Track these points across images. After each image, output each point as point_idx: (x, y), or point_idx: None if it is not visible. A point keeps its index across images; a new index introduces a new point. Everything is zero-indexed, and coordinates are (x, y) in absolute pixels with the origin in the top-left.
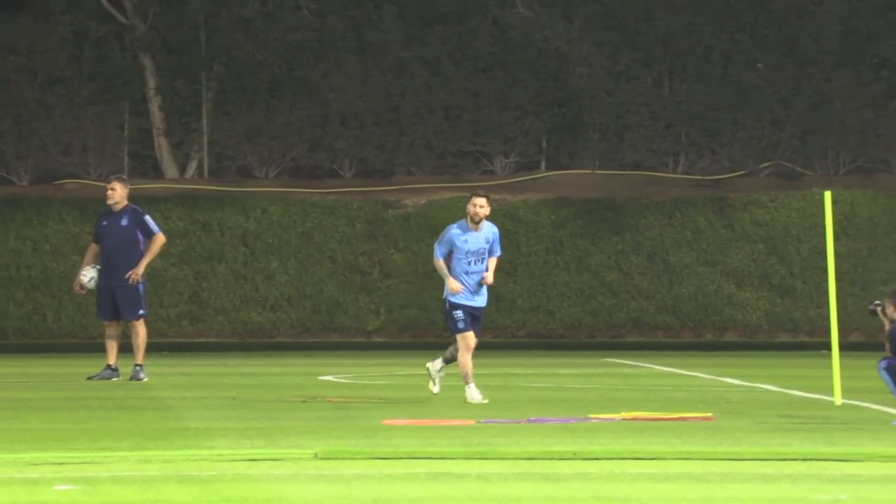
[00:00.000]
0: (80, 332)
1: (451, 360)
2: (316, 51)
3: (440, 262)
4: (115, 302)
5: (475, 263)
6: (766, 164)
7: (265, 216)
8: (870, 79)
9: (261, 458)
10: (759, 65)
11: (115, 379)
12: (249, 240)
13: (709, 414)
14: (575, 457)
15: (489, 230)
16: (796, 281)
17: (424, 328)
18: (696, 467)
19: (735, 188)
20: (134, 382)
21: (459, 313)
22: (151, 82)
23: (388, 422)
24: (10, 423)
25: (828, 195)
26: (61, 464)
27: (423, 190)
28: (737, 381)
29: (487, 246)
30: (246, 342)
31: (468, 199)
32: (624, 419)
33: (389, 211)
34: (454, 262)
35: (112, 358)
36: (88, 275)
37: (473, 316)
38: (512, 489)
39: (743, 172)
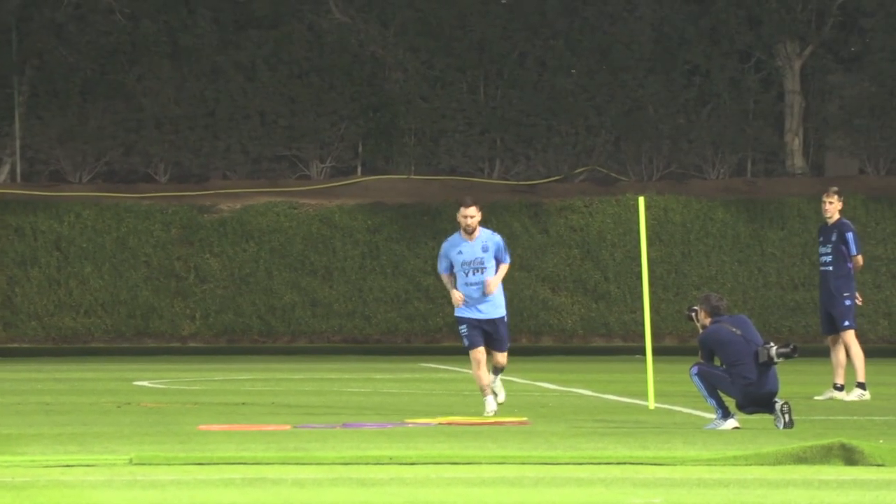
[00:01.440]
0: None
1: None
2: (130, 55)
3: (443, 277)
4: None
5: (473, 274)
6: (581, 169)
7: (79, 221)
8: (682, 85)
9: (75, 464)
10: (572, 71)
11: None
12: (63, 244)
13: (524, 418)
14: (391, 461)
15: (487, 238)
16: (611, 286)
17: (240, 333)
18: (512, 471)
19: (550, 193)
20: None
21: (464, 328)
22: None
23: (203, 427)
24: None
25: (641, 200)
26: None
27: (239, 195)
28: (552, 386)
29: (485, 255)
30: (60, 347)
31: (287, 205)
32: (440, 424)
33: (205, 216)
34: (456, 276)
35: None
36: None
37: (485, 330)
38: (328, 494)
39: (558, 178)
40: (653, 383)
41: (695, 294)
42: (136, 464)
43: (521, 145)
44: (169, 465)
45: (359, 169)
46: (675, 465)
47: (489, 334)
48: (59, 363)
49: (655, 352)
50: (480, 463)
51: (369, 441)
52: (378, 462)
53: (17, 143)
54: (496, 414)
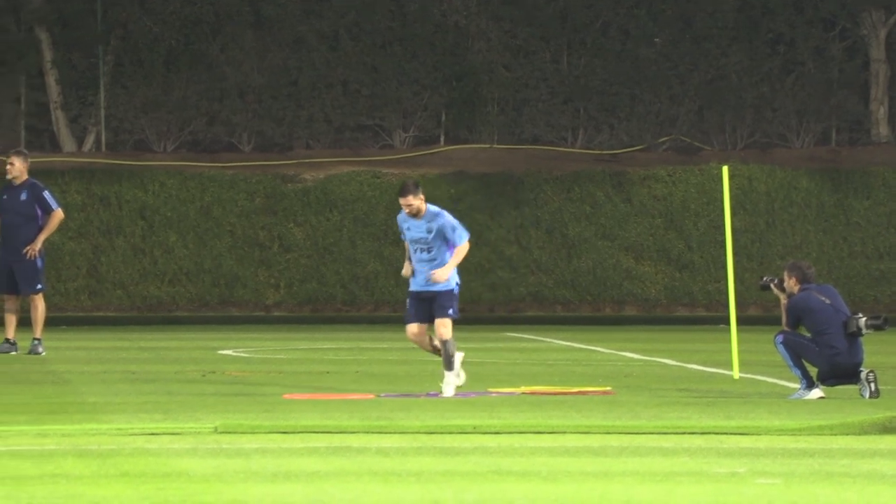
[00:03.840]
0: None
1: (436, 351)
2: (213, 24)
3: (405, 244)
4: (13, 276)
5: (420, 252)
6: (664, 138)
7: (163, 190)
8: (766, 54)
9: (160, 433)
10: (656, 40)
11: (13, 353)
12: (148, 214)
13: (608, 388)
14: (474, 431)
15: (432, 219)
16: (694, 255)
17: (324, 302)
18: (595, 441)
19: (633, 163)
20: (32, 356)
21: (407, 301)
22: (48, 55)
23: (287, 396)
24: None
25: (725, 170)
26: None
27: (322, 164)
28: (636, 356)
29: (429, 235)
30: (144, 316)
31: (370, 174)
32: (523, 393)
33: (288, 185)
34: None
35: (10, 332)
36: None
37: (428, 300)
38: (411, 463)
39: (641, 147)
40: (737, 353)
41: (779, 264)
42: (220, 432)
43: (604, 114)
44: (253, 433)
45: (441, 138)
46: (759, 434)
47: (432, 304)
48: (144, 332)
49: (739, 321)
50: (564, 432)
51: (453, 410)
52: (461, 431)
53: (102, 112)
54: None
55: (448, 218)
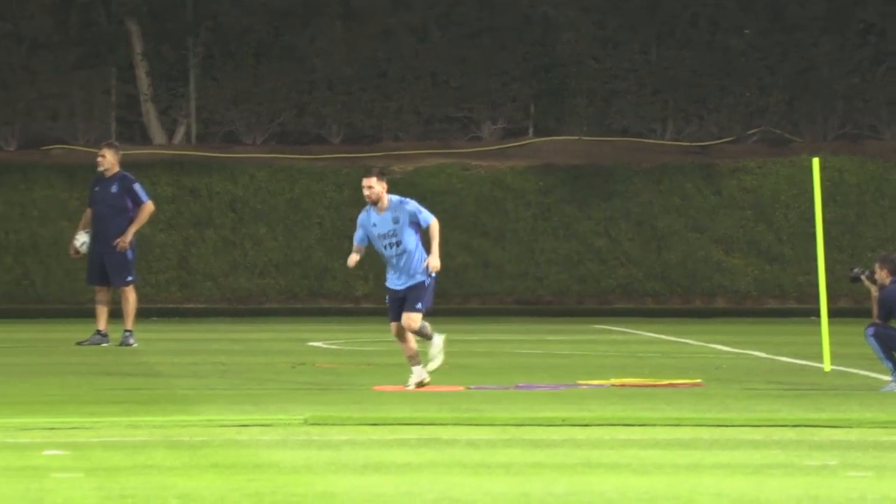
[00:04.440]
0: (69, 298)
1: (426, 337)
2: (302, 16)
3: (354, 245)
4: (104, 268)
5: (390, 248)
6: (754, 130)
7: (253, 182)
8: (856, 44)
9: (250, 424)
10: (745, 30)
11: (104, 344)
12: (238, 206)
13: (698, 380)
14: (564, 423)
15: (397, 208)
16: (784, 247)
17: None
18: (686, 434)
19: (723, 154)
20: (123, 348)
21: (387, 299)
22: (138, 47)
23: (377, 388)
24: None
25: (816, 161)
26: (51, 429)
27: (411, 156)
28: (726, 348)
29: (397, 226)
30: (234, 308)
31: (459, 166)
32: (613, 385)
33: None
34: (377, 249)
35: (102, 323)
36: (81, 239)
37: (402, 299)
38: (501, 455)
39: (730, 139)
40: (828, 345)
41: (870, 256)
42: (310, 424)
43: (693, 106)
44: (343, 425)
45: (530, 130)
46: (850, 427)
47: (403, 299)
48: (234, 324)
49: (830, 313)
50: (654, 425)
51: (542, 402)
52: (551, 423)
53: (193, 104)
54: (419, 387)
55: (413, 205)
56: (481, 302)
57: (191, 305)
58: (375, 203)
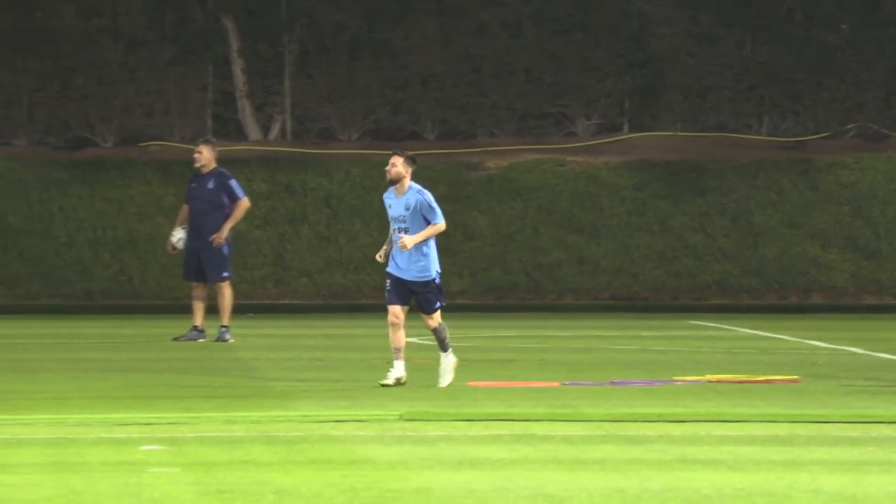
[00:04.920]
0: (166, 294)
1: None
2: (395, 13)
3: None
4: (200, 264)
5: (399, 232)
6: (850, 125)
7: (348, 178)
8: None
9: (345, 420)
10: (842, 26)
11: (200, 340)
12: (333, 202)
13: (794, 377)
14: (659, 419)
15: (413, 196)
16: (882, 243)
17: (507, 290)
18: (782, 430)
19: (819, 150)
20: (219, 343)
21: (387, 283)
22: (234, 44)
23: (472, 383)
24: (97, 385)
25: None
26: (148, 424)
27: (505, 152)
28: (822, 344)
29: (407, 213)
30: (329, 304)
31: (554, 162)
32: (709, 381)
33: (471, 173)
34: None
35: (198, 319)
36: (177, 235)
37: (410, 290)
38: (596, 451)
39: (827, 134)
40: None
41: None
42: (405, 419)
43: (789, 101)
44: (438, 420)
45: (625, 126)
46: None
47: (416, 294)
48: (329, 319)
49: None
50: (750, 421)
51: (637, 398)
52: (646, 420)
53: (287, 101)
54: (396, 385)
55: (428, 197)
56: (576, 298)
57: (286, 301)
58: (394, 183)
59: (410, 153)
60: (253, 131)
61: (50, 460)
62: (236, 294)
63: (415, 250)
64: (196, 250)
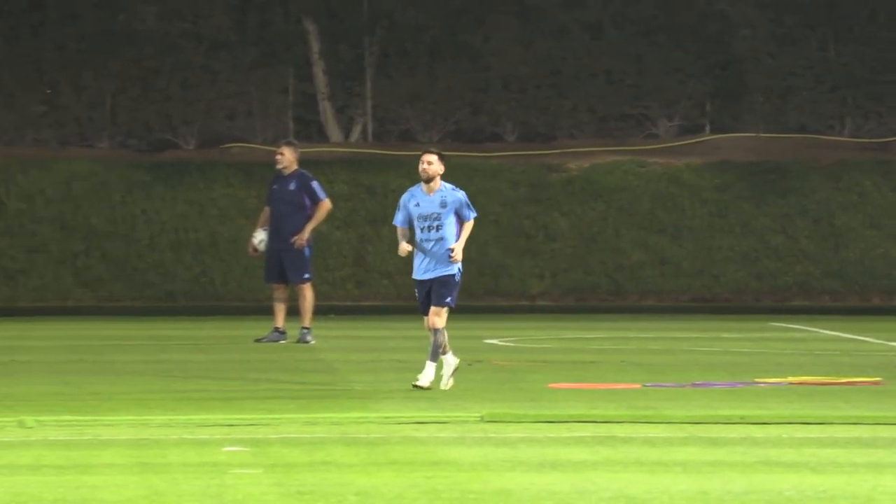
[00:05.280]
0: (248, 295)
1: (439, 351)
2: (477, 14)
3: (398, 229)
4: (281, 265)
5: (428, 231)
6: None
7: None
8: None
9: (427, 421)
10: None
11: (282, 342)
12: None
13: (877, 378)
14: (741, 421)
15: (448, 193)
16: None
17: (589, 291)
18: (865, 432)
19: None
20: (301, 345)
21: (417, 292)
22: (315, 46)
23: (553, 385)
24: (179, 386)
25: None
26: (230, 426)
27: (586, 153)
28: None
29: (443, 210)
30: (410, 305)
31: (635, 163)
32: (791, 383)
33: (553, 174)
34: (415, 230)
35: (279, 321)
36: (258, 237)
37: (429, 291)
38: (678, 453)
39: None
40: None
41: None
42: (487, 421)
43: (871, 102)
44: (519, 422)
45: (706, 127)
46: None
47: (431, 289)
48: (410, 321)
49: None
50: (833, 423)
51: (719, 400)
52: (728, 421)
53: (369, 102)
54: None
55: (464, 195)
56: (657, 299)
57: (367, 303)
58: (429, 181)
59: (438, 149)
60: (334, 133)
61: (133, 461)
62: (317, 295)
63: (442, 248)
64: (278, 252)
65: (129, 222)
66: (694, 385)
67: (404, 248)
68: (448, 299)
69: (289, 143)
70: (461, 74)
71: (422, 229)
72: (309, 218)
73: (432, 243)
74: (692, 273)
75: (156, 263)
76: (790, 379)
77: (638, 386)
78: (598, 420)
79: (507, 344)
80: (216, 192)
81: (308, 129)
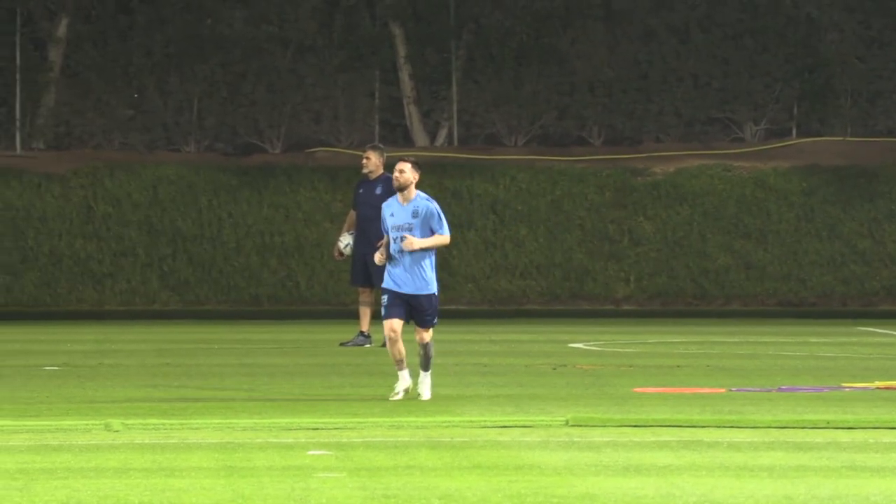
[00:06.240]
0: (333, 299)
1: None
2: (563, 18)
3: (385, 237)
4: (367, 269)
5: (400, 241)
6: None
7: (514, 184)
8: None
9: (511, 425)
10: None
11: (367, 345)
12: (499, 207)
13: None
14: (828, 426)
15: (420, 203)
16: None
17: (674, 296)
18: None
19: None
20: (386, 349)
21: (384, 298)
22: (401, 51)
23: (638, 389)
24: (264, 390)
25: None
26: (315, 429)
27: (672, 157)
28: None
29: (415, 220)
30: (495, 309)
31: (721, 167)
32: (878, 388)
33: (638, 179)
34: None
35: (365, 324)
36: (345, 241)
37: (409, 304)
38: (763, 458)
39: None
40: None
41: None
42: (571, 425)
43: None
44: (604, 426)
45: (793, 131)
46: None
47: (413, 308)
48: (495, 325)
49: None
50: None
51: (805, 405)
52: (815, 426)
53: (454, 107)
54: (405, 396)
55: (438, 207)
56: (743, 304)
57: (452, 307)
58: (401, 190)
59: (414, 158)
60: (419, 137)
61: (219, 465)
62: None
63: (416, 262)
64: (363, 256)
65: (215, 226)
66: (780, 389)
67: (379, 257)
68: (435, 320)
69: (375, 147)
70: (547, 78)
71: (394, 240)
72: None
73: (402, 254)
74: (778, 277)
75: (241, 267)
76: (877, 384)
77: (723, 390)
78: (684, 424)
79: (592, 348)
80: (301, 196)
81: (394, 133)
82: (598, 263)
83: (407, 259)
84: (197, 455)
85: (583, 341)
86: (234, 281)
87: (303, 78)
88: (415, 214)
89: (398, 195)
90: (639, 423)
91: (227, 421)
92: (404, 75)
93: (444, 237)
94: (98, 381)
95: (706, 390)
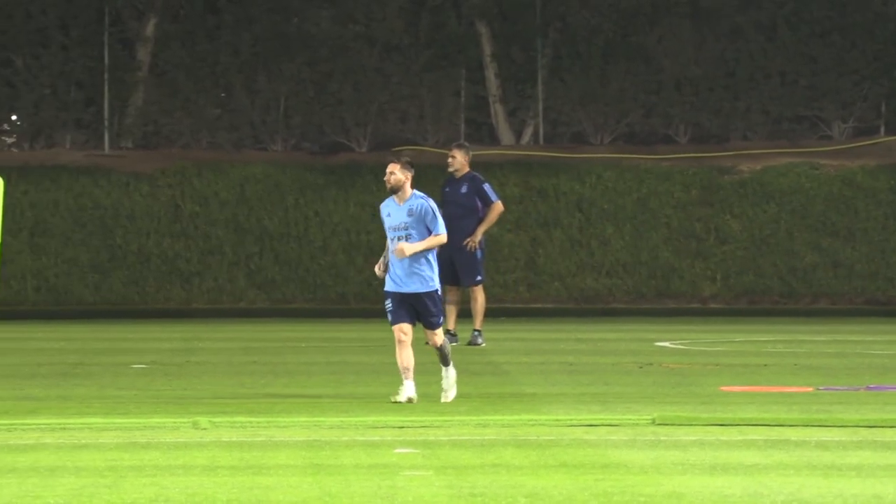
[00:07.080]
0: None
1: (443, 358)
2: (650, 16)
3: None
4: (453, 267)
5: (397, 241)
6: None
7: (600, 182)
8: None
9: (597, 424)
10: None
11: (453, 344)
12: (584, 206)
13: None
14: None
15: (415, 202)
16: None
17: (761, 294)
18: None
19: None
20: (472, 347)
21: (387, 303)
22: (487, 49)
23: (725, 388)
24: (351, 388)
25: None
26: (402, 428)
27: (759, 155)
28: None
29: (410, 220)
30: (581, 308)
31: (808, 165)
32: None
33: (725, 177)
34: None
35: (451, 323)
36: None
37: (412, 305)
38: (851, 457)
39: None
40: None
41: None
42: (658, 424)
43: None
44: (690, 425)
45: (881, 129)
46: None
47: (418, 309)
48: (581, 323)
49: None
50: None
51: (893, 404)
52: None
53: (540, 105)
54: (408, 403)
55: (433, 204)
56: (830, 302)
57: (538, 305)
58: (395, 192)
59: (405, 156)
60: (506, 135)
61: (306, 462)
62: (488, 298)
63: (414, 260)
64: (450, 254)
65: (302, 224)
66: (868, 388)
67: (378, 270)
68: (440, 320)
69: (460, 146)
70: (633, 76)
71: (392, 240)
72: (481, 220)
73: (401, 254)
74: (866, 275)
75: (328, 266)
76: None
77: (811, 389)
78: (771, 423)
79: (678, 347)
80: (387, 195)
81: (479, 132)
82: (685, 262)
83: (406, 259)
84: (284, 453)
85: (669, 340)
86: (321, 279)
87: (389, 77)
88: (410, 213)
89: (394, 196)
90: (726, 423)
91: (314, 419)
92: (490, 74)
93: (439, 237)
94: (186, 379)
95: (793, 389)
